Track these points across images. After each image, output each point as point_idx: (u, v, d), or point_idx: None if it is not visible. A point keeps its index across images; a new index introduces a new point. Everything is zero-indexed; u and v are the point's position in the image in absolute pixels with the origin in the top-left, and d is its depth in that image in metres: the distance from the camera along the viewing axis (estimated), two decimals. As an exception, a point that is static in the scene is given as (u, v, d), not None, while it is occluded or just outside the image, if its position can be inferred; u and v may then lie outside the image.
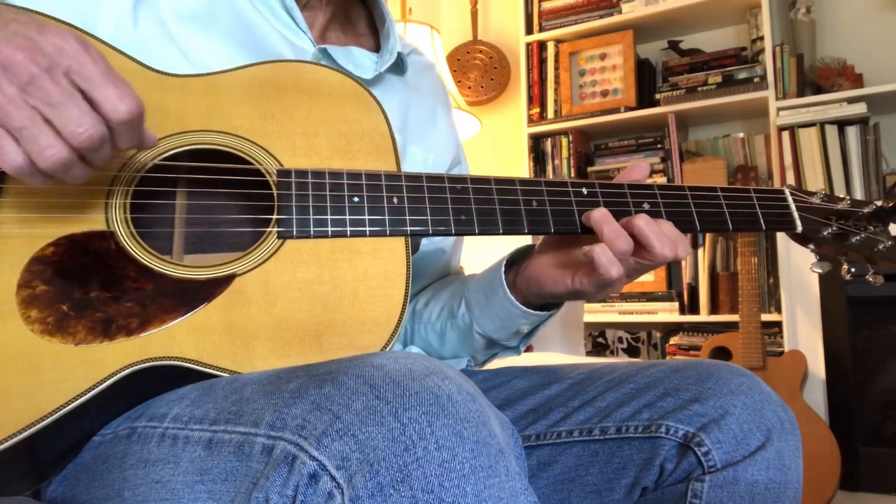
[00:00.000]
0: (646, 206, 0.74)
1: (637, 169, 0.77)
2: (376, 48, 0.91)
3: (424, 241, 0.93)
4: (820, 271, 0.81)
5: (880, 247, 0.81)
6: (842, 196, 0.83)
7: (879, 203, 0.82)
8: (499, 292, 0.78)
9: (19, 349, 0.55)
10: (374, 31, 0.93)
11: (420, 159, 0.89)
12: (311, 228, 0.64)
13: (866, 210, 0.82)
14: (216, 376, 0.59)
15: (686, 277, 2.64)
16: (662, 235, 0.69)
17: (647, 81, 2.79)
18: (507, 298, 0.77)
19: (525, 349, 0.86)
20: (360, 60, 0.85)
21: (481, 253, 2.04)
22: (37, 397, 0.54)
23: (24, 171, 0.51)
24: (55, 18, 0.64)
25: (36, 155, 0.50)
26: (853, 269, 0.81)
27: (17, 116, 0.49)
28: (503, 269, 0.78)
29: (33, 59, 0.49)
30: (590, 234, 0.71)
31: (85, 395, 0.55)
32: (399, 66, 0.89)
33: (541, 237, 0.78)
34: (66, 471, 0.61)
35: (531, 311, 0.78)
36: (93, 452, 0.60)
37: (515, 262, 0.80)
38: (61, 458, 0.61)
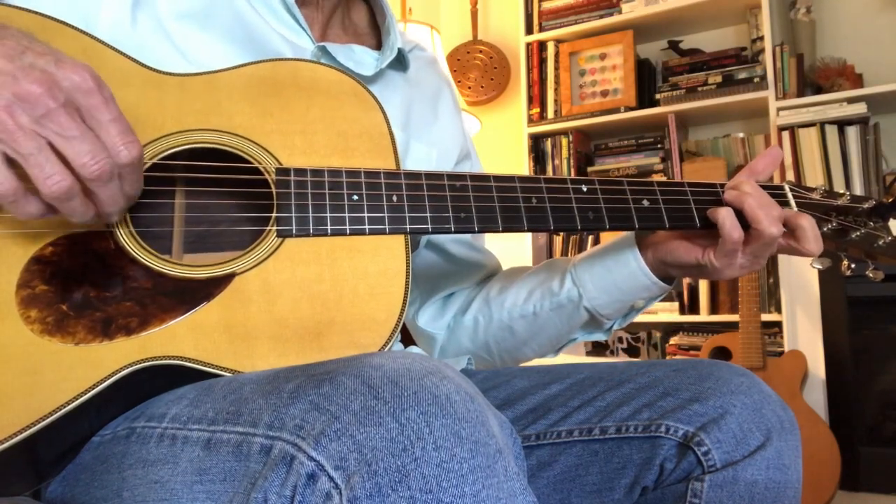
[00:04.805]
0: (645, 203, 0.74)
1: (771, 155, 0.80)
2: (378, 47, 0.90)
3: (460, 248, 0.95)
4: (820, 267, 0.81)
5: (880, 242, 0.81)
6: (841, 192, 0.83)
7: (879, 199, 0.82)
8: (630, 263, 0.82)
9: (19, 349, 0.55)
10: (375, 31, 0.93)
11: (424, 155, 0.89)
12: (311, 227, 0.64)
13: (866, 206, 0.82)
14: (216, 375, 0.59)
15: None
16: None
17: (647, 81, 2.79)
18: (639, 267, 0.82)
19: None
20: (360, 58, 0.85)
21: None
22: (36, 397, 0.54)
23: (9, 197, 0.51)
24: (58, 20, 0.64)
25: (40, 182, 0.50)
26: (853, 265, 0.81)
27: (25, 144, 0.49)
28: (635, 242, 0.83)
29: (52, 94, 0.50)
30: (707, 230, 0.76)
31: (85, 394, 0.55)
32: (401, 63, 0.89)
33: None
34: (66, 471, 0.61)
35: (659, 281, 0.82)
36: (92, 453, 0.60)
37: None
38: (61, 458, 0.61)
